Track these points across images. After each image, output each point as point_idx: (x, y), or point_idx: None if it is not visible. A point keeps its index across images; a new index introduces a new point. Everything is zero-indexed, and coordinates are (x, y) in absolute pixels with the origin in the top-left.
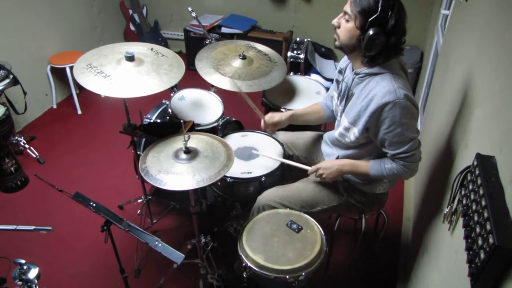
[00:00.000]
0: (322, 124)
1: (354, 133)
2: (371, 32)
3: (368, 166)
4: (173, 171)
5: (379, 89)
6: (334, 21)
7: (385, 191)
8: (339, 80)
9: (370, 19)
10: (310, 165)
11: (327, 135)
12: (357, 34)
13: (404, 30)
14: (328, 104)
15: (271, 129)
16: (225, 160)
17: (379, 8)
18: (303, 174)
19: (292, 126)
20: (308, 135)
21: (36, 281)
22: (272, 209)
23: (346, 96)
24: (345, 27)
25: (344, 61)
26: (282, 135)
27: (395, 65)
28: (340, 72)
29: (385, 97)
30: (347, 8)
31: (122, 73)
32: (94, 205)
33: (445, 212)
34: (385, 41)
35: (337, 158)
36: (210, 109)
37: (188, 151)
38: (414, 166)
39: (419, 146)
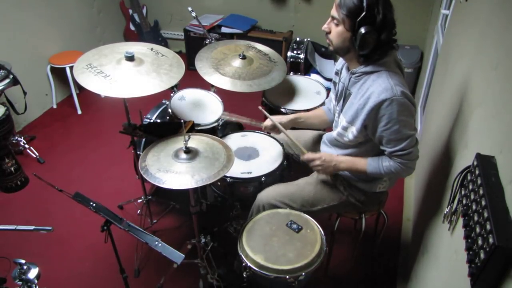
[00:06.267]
0: None
1: (352, 132)
2: (362, 31)
3: (366, 164)
4: (173, 170)
5: (376, 87)
6: (324, 27)
7: (385, 189)
8: (336, 81)
9: (358, 19)
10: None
11: (326, 136)
12: (349, 36)
13: (393, 22)
14: (330, 107)
15: (273, 131)
16: (225, 161)
17: (365, 7)
18: (303, 173)
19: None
20: (309, 134)
21: (36, 281)
22: (273, 207)
23: (343, 96)
24: (335, 31)
25: (340, 62)
26: (283, 134)
27: (391, 62)
28: (337, 73)
29: (382, 94)
30: (334, 12)
31: (122, 73)
32: (94, 205)
33: (445, 212)
34: (377, 37)
35: None
36: (210, 109)
37: (188, 151)
38: (412, 164)
39: (416, 143)
